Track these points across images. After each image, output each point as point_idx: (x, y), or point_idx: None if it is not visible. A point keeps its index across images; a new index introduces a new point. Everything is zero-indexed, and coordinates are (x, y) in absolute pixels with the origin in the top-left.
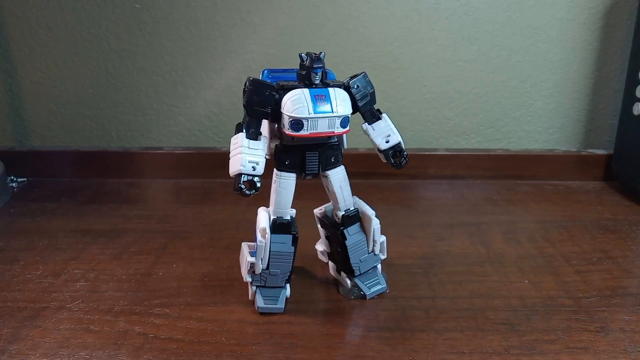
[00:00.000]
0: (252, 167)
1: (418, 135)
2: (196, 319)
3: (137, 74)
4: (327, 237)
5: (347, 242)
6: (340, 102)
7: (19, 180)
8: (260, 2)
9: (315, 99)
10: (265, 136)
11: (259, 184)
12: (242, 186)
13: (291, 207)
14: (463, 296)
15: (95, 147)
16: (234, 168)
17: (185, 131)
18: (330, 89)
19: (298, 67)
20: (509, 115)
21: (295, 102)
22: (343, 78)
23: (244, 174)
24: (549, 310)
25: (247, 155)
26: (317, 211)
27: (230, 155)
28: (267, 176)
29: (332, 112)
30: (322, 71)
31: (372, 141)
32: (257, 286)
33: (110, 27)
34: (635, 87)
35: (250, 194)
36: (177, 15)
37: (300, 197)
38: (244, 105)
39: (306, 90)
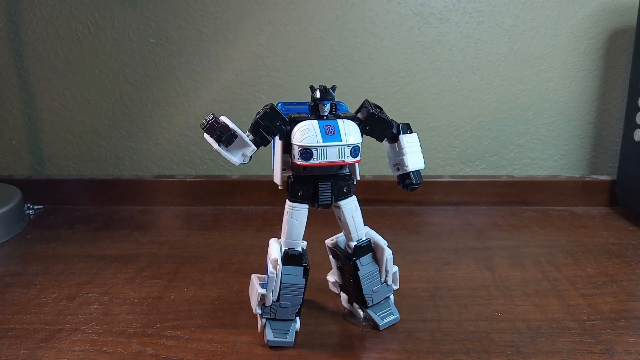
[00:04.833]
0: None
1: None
2: (207, 341)
3: (151, 104)
4: (339, 268)
5: (360, 273)
6: (349, 133)
7: (36, 207)
8: (270, 35)
9: (324, 129)
10: (245, 154)
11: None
12: (210, 120)
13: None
14: (469, 319)
15: (109, 175)
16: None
17: (196, 160)
18: (340, 121)
19: (310, 100)
20: (513, 143)
21: (304, 132)
22: (351, 109)
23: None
24: (554, 333)
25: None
26: (329, 242)
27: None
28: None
29: (341, 141)
30: (332, 104)
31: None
32: (266, 319)
33: (126, 61)
34: (635, 113)
35: (207, 125)
36: (190, 49)
37: (309, 224)
38: (253, 122)
39: (315, 122)
